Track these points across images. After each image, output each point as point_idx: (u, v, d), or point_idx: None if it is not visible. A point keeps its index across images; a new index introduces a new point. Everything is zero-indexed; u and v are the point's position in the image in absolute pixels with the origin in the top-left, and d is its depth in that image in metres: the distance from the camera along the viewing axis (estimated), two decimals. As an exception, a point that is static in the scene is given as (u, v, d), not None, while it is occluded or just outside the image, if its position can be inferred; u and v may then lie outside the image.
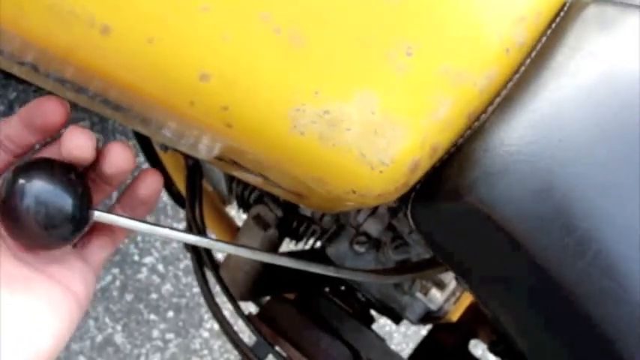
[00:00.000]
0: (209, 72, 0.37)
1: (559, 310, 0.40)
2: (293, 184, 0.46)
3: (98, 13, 0.36)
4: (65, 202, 0.43)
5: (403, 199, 0.46)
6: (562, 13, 0.44)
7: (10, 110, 1.48)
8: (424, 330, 0.96)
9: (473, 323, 0.91)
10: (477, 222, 0.41)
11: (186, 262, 1.53)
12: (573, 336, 0.40)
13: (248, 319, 0.74)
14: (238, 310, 0.75)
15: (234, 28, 0.37)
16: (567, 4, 0.45)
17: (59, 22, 0.36)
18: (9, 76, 1.40)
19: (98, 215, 0.45)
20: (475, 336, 0.94)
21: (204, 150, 0.47)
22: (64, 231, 0.43)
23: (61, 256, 0.47)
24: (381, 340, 0.79)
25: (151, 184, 0.49)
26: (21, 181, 0.42)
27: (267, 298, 0.88)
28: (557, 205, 0.39)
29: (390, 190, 0.41)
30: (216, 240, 0.52)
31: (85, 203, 0.44)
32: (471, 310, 0.89)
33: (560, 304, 0.40)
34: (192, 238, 0.50)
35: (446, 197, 0.42)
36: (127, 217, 0.47)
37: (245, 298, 0.86)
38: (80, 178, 0.44)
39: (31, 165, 0.43)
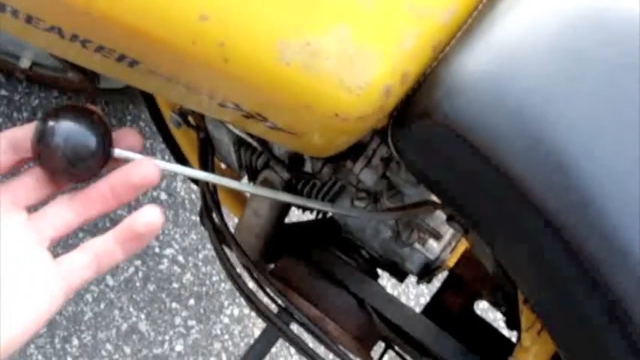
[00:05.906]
0: (207, 13, 0.44)
1: (521, 207, 0.46)
2: (288, 121, 0.52)
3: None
4: (89, 139, 0.49)
5: (384, 134, 0.52)
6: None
7: (33, 116, 1.55)
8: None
9: (476, 284, 0.96)
10: (445, 136, 0.47)
11: (205, 252, 1.60)
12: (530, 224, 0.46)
13: (263, 273, 0.81)
14: (254, 266, 0.81)
15: (226, -26, 0.44)
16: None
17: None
18: (32, 82, 1.49)
19: (119, 152, 0.52)
20: (480, 297, 0.99)
21: (209, 99, 0.53)
22: (90, 164, 0.50)
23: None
24: (383, 289, 0.85)
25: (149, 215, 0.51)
26: (51, 123, 0.49)
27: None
28: (510, 114, 0.45)
29: (368, 112, 0.48)
30: (236, 181, 0.58)
31: (106, 141, 0.51)
32: (473, 270, 0.95)
33: (520, 199, 0.46)
34: (211, 177, 0.56)
35: (417, 118, 0.48)
36: (144, 156, 0.53)
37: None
38: (102, 121, 0.51)
39: (58, 110, 0.50)
